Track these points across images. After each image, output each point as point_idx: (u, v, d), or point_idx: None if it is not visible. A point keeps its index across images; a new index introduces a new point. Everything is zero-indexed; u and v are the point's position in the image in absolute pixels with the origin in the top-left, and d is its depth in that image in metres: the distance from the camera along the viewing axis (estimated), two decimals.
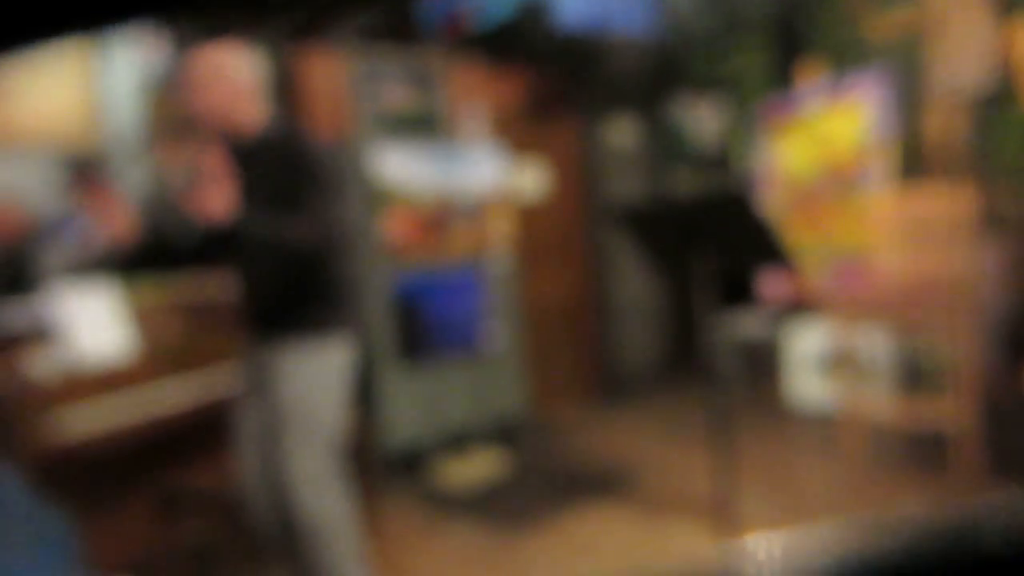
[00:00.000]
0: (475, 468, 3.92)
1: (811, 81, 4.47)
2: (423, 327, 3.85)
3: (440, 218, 3.93)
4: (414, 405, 3.87)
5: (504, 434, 4.32)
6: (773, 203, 4.57)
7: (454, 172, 3.99)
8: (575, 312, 5.17)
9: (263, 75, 2.28)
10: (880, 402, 3.75)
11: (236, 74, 2.20)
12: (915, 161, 4.10)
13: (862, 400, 3.77)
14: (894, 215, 3.72)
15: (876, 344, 3.97)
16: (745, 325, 4.87)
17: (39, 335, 2.75)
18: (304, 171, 2.17)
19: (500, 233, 4.19)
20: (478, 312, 4.05)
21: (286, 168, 2.18)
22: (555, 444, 4.33)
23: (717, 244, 2.60)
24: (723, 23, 6.27)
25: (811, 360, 4.37)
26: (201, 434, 2.86)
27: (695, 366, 5.32)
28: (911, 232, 3.58)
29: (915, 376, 3.75)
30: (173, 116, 4.10)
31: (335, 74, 3.96)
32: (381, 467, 3.73)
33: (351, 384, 2.37)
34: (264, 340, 2.27)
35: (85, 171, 4.39)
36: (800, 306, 4.66)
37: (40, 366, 2.68)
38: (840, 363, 3.86)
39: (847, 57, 5.45)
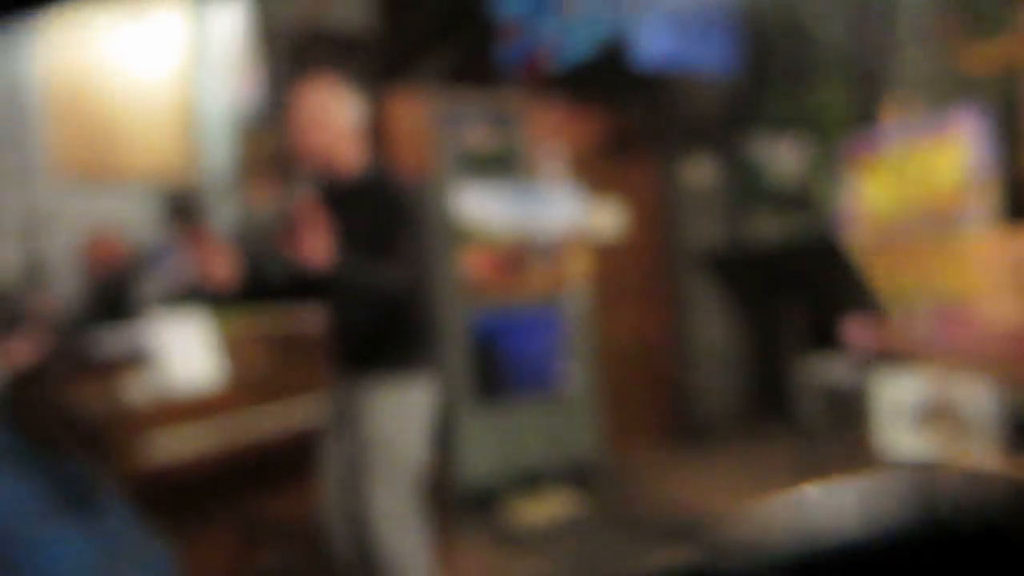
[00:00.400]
0: (548, 508, 3.86)
1: (900, 117, 4.33)
2: (499, 365, 3.84)
3: (518, 257, 3.94)
4: (489, 443, 3.84)
5: (578, 475, 4.24)
6: (860, 245, 4.41)
7: (533, 211, 4.00)
8: (653, 353, 5.08)
9: (363, 116, 2.32)
10: (982, 460, 3.54)
11: (340, 114, 2.25)
12: (1019, 201, 3.91)
13: (961, 457, 3.57)
14: (997, 258, 3.55)
15: (979, 397, 3.76)
16: (833, 371, 4.70)
17: (135, 360, 2.85)
18: (399, 214, 2.22)
19: (578, 272, 4.17)
20: (554, 351, 4.02)
21: (382, 210, 2.22)
22: (630, 487, 4.23)
23: (805, 289, 2.52)
24: (804, 58, 6.18)
25: (905, 411, 4.17)
26: (285, 464, 2.90)
27: (777, 412, 5.18)
28: (1017, 277, 3.40)
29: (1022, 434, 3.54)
30: (265, 153, 4.25)
31: (416, 114, 4.04)
32: (455, 504, 3.71)
33: (432, 422, 2.37)
34: (351, 375, 2.30)
35: (182, 207, 4.58)
36: (892, 353, 4.47)
37: (135, 391, 2.78)
38: (937, 416, 3.68)
39: (940, 92, 5.29)
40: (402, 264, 2.18)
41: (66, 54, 5.06)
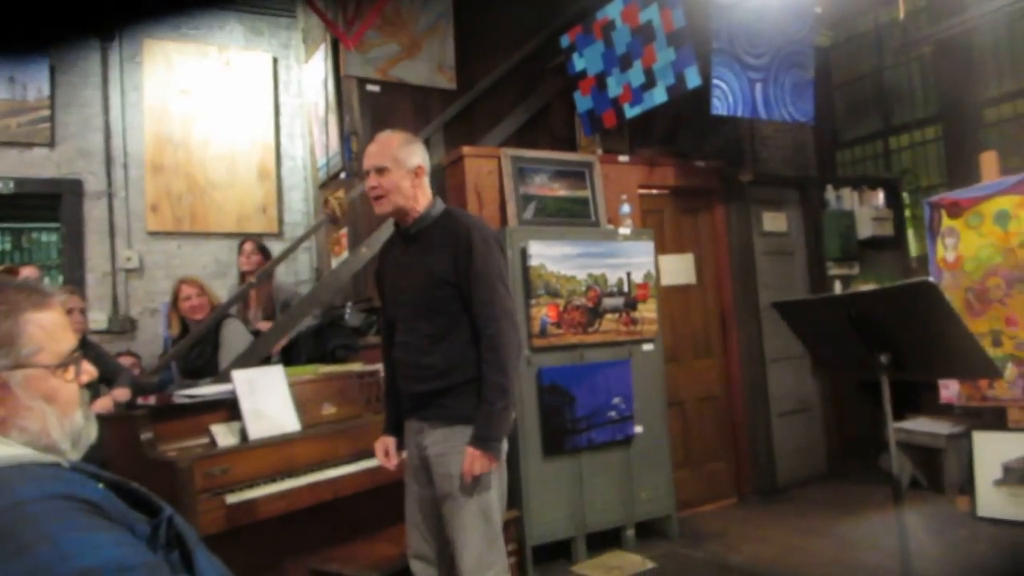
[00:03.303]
0: (619, 562, 3.78)
1: (993, 171, 4.20)
2: (570, 415, 3.81)
3: (590, 306, 3.94)
4: (558, 494, 3.80)
5: (650, 528, 4.15)
6: (953, 297, 4.26)
7: (604, 260, 4.00)
8: (725, 404, 4.97)
9: (428, 163, 2.41)
10: None
11: (410, 161, 2.33)
12: None
13: None
14: None
15: None
16: (920, 427, 4.50)
17: (222, 406, 2.94)
18: (474, 246, 2.27)
19: (649, 320, 4.13)
20: (625, 402, 3.97)
21: (457, 242, 2.28)
22: (703, 541, 4.11)
23: (898, 338, 2.42)
24: (895, 112, 6.08)
25: (1000, 470, 3.95)
26: (363, 510, 2.94)
27: (862, 471, 4.97)
28: None
29: None
30: (336, 208, 4.39)
31: (494, 166, 4.12)
32: (525, 557, 3.66)
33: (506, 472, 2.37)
34: (434, 420, 2.31)
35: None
36: (985, 410, 4.26)
37: (222, 435, 2.86)
38: None
39: None
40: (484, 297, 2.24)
41: (167, 116, 5.38)
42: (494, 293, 2.26)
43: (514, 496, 3.62)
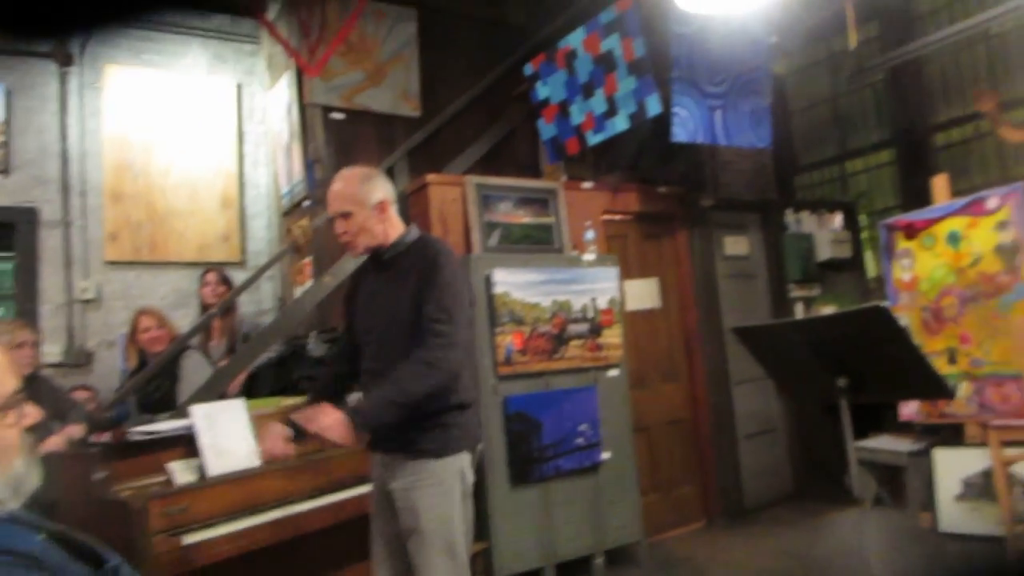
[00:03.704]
0: None
1: (944, 194, 4.31)
2: (537, 443, 3.79)
3: (556, 332, 3.94)
4: (527, 524, 3.76)
5: (620, 555, 4.13)
6: (908, 317, 4.34)
7: (568, 286, 4.01)
8: (692, 428, 4.99)
9: (392, 193, 2.41)
10: None
11: (372, 197, 2.33)
12: None
13: (1019, 531, 3.41)
14: None
15: None
16: (882, 446, 4.55)
17: (180, 442, 2.87)
18: (436, 271, 2.25)
19: (614, 346, 4.14)
20: (591, 428, 3.96)
21: (423, 265, 2.27)
22: (673, 566, 4.10)
23: (855, 362, 2.46)
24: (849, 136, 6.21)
25: (959, 485, 4.01)
26: (326, 547, 2.88)
27: (826, 490, 5.01)
28: None
29: None
30: (303, 238, 4.36)
31: (458, 193, 4.13)
32: None
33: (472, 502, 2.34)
34: (398, 453, 2.27)
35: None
36: (944, 427, 4.32)
37: (180, 472, 2.79)
38: (993, 490, 3.53)
39: (985, 171, 5.27)
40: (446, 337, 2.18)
41: (126, 143, 5.30)
42: (452, 317, 2.20)
43: (481, 527, 3.58)
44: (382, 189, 2.36)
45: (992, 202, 4.02)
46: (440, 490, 2.23)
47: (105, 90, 5.26)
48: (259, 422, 3.05)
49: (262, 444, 2.40)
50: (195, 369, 3.89)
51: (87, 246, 5.12)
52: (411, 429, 2.22)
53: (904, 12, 5.00)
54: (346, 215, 2.30)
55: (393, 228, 2.36)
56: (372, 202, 2.31)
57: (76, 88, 5.20)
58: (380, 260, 2.38)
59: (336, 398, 2.46)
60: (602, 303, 4.11)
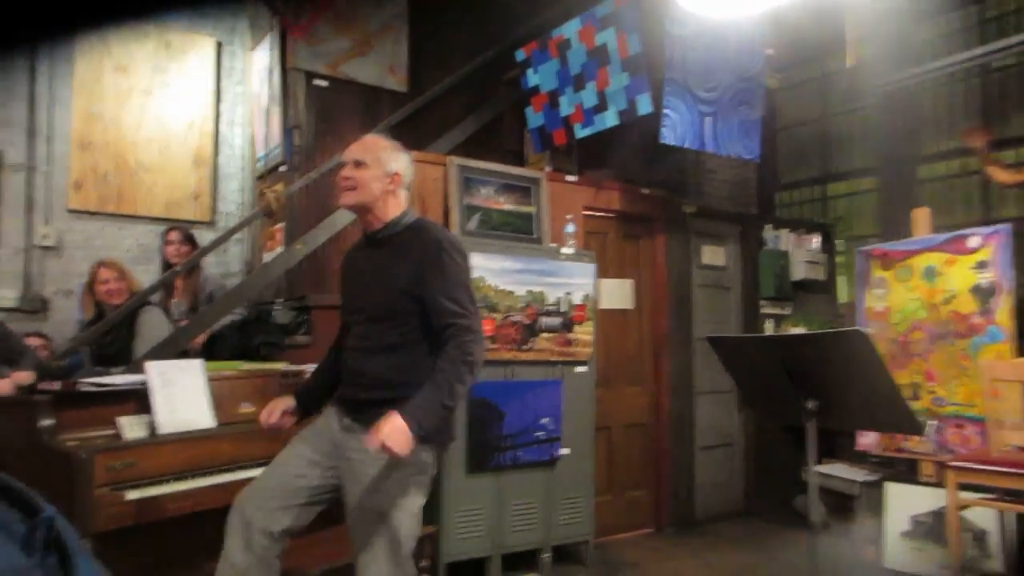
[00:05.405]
0: None
1: (924, 227, 4.32)
2: (498, 432, 3.74)
3: (527, 323, 3.89)
4: (478, 512, 3.72)
5: (566, 552, 4.11)
6: (878, 344, 4.35)
7: (544, 278, 3.97)
8: (651, 433, 4.98)
9: (409, 175, 2.38)
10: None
11: (390, 165, 2.30)
12: None
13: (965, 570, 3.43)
14: (1013, 376, 3.48)
15: (988, 516, 3.64)
16: (836, 472, 4.58)
17: (132, 397, 2.78)
18: (443, 256, 2.21)
19: (584, 342, 4.10)
20: (553, 423, 3.92)
21: (424, 252, 2.22)
22: (617, 570, 4.09)
23: (827, 385, 2.43)
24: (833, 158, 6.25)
25: (908, 522, 4.03)
26: None
27: (777, 509, 5.04)
28: None
29: None
30: (272, 201, 4.25)
31: (440, 173, 4.06)
32: (438, 574, 3.57)
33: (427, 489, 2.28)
34: (368, 426, 2.12)
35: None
36: (899, 461, 4.36)
37: (129, 427, 2.70)
38: (942, 531, 3.55)
39: (968, 209, 5.33)
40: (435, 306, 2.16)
41: (98, 93, 5.13)
42: (470, 311, 2.18)
43: (433, 511, 3.52)
44: (404, 166, 2.34)
45: (974, 241, 4.04)
46: (400, 475, 2.16)
47: (79, 35, 5.08)
48: (216, 383, 2.97)
49: (263, 411, 2.38)
50: (154, 325, 3.77)
51: (51, 192, 4.94)
52: (387, 407, 2.10)
53: (903, 37, 5.02)
54: (359, 163, 2.28)
55: (394, 205, 2.32)
56: (389, 168, 2.29)
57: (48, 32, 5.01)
58: (374, 239, 2.34)
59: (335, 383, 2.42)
60: (576, 298, 4.07)
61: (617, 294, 4.83)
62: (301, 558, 2.60)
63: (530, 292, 3.91)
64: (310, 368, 3.39)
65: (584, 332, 4.10)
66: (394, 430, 1.98)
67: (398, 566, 2.15)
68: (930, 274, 4.20)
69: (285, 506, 2.21)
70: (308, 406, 2.45)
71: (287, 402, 2.40)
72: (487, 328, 3.74)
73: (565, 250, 4.12)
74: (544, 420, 3.88)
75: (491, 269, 3.78)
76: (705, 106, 4.31)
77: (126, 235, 5.18)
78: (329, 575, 2.61)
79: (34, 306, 4.80)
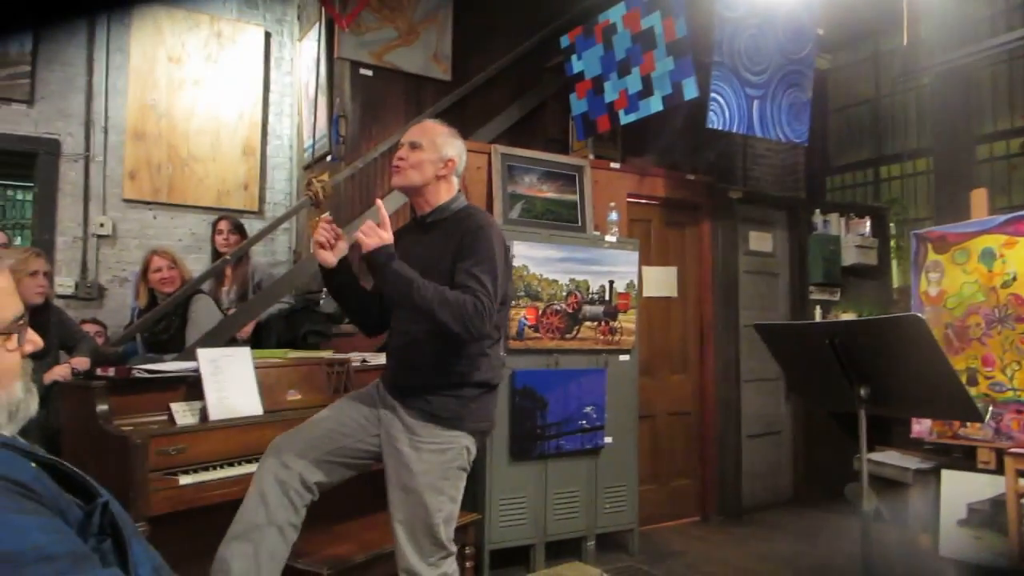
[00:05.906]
0: (576, 574, 3.73)
1: (982, 209, 4.18)
2: (541, 421, 3.75)
3: (570, 312, 3.88)
4: (522, 500, 3.73)
5: (611, 541, 4.10)
6: (933, 330, 4.24)
7: (587, 266, 3.95)
8: (696, 422, 4.93)
9: (463, 162, 2.40)
10: None
11: (445, 150, 2.32)
12: None
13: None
14: None
15: None
16: (888, 460, 4.48)
17: (184, 383, 2.85)
18: (480, 235, 2.22)
19: (627, 331, 4.08)
20: (596, 412, 3.91)
21: (465, 232, 2.23)
22: (663, 558, 4.07)
23: (880, 372, 2.37)
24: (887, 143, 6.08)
25: (965, 510, 3.93)
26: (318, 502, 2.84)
27: (827, 498, 4.95)
28: None
29: None
30: (319, 191, 4.28)
31: (483, 162, 4.06)
32: (483, 561, 3.60)
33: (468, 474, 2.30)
34: (412, 409, 2.20)
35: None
36: (956, 448, 4.24)
37: (181, 413, 2.77)
38: (1000, 519, 3.45)
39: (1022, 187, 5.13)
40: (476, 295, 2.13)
41: (151, 83, 5.25)
42: (485, 285, 2.13)
43: (477, 499, 3.56)
44: (458, 152, 2.36)
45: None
46: (441, 459, 2.18)
47: (133, 26, 5.20)
48: (263, 371, 3.02)
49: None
50: (205, 313, 3.85)
51: (106, 182, 5.09)
52: (431, 392, 2.18)
53: (961, 14, 4.85)
54: (415, 146, 2.30)
55: (445, 190, 2.34)
56: (444, 153, 2.32)
57: (103, 22, 5.14)
58: (423, 222, 2.37)
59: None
60: (620, 286, 4.04)
61: (661, 282, 4.78)
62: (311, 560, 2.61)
63: (573, 281, 3.90)
64: (356, 357, 3.45)
65: (628, 320, 4.07)
66: (372, 231, 2.13)
67: (436, 546, 2.17)
68: (988, 257, 4.07)
69: (324, 460, 2.25)
70: (345, 274, 2.46)
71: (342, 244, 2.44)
72: (530, 317, 3.74)
73: (609, 238, 4.09)
74: (587, 409, 3.88)
75: (534, 258, 3.77)
76: (753, 89, 4.22)
77: (178, 224, 5.31)
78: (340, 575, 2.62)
79: (90, 293, 4.95)
